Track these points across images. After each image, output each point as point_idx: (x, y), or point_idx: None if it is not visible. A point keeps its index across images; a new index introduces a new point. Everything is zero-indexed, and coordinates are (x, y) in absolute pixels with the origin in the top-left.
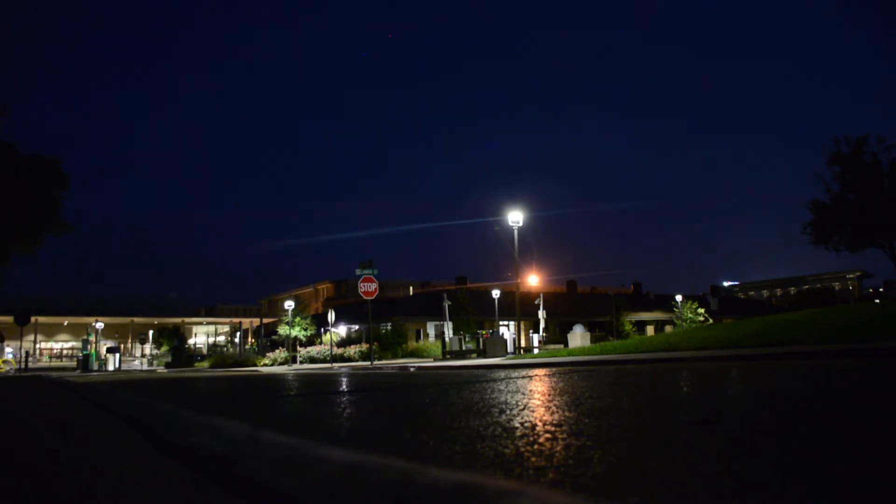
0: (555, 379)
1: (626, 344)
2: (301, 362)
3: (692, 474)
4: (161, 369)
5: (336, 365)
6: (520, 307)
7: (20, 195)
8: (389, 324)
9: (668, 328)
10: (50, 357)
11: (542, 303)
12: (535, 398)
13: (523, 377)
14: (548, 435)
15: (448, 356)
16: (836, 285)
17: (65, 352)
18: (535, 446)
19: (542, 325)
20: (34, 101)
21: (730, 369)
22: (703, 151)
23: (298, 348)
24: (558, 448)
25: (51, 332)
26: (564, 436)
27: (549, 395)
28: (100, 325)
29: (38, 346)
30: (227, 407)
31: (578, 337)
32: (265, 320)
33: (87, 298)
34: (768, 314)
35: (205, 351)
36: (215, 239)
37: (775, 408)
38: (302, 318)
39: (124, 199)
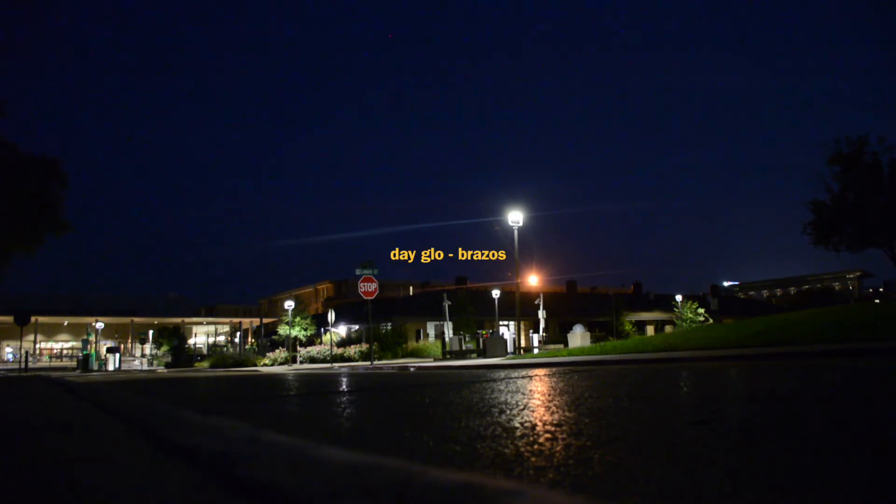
0: (555, 379)
1: (626, 344)
2: (301, 362)
3: (692, 474)
4: (161, 369)
5: (336, 365)
6: (520, 307)
7: (20, 195)
8: (389, 324)
9: (668, 328)
10: (50, 357)
11: (542, 303)
12: (534, 398)
13: (523, 377)
14: (548, 435)
15: (448, 356)
16: (836, 285)
17: (65, 352)
18: (535, 446)
19: (542, 325)
20: (34, 102)
21: (729, 369)
22: (704, 152)
23: (298, 348)
24: (558, 448)
25: (51, 332)
26: (564, 436)
27: (549, 395)
28: (100, 325)
29: (38, 346)
30: (227, 407)
31: (578, 337)
32: (265, 320)
33: (87, 298)
34: (768, 314)
35: (205, 351)
36: (215, 239)
37: (775, 408)
38: (302, 318)
39: (124, 198)
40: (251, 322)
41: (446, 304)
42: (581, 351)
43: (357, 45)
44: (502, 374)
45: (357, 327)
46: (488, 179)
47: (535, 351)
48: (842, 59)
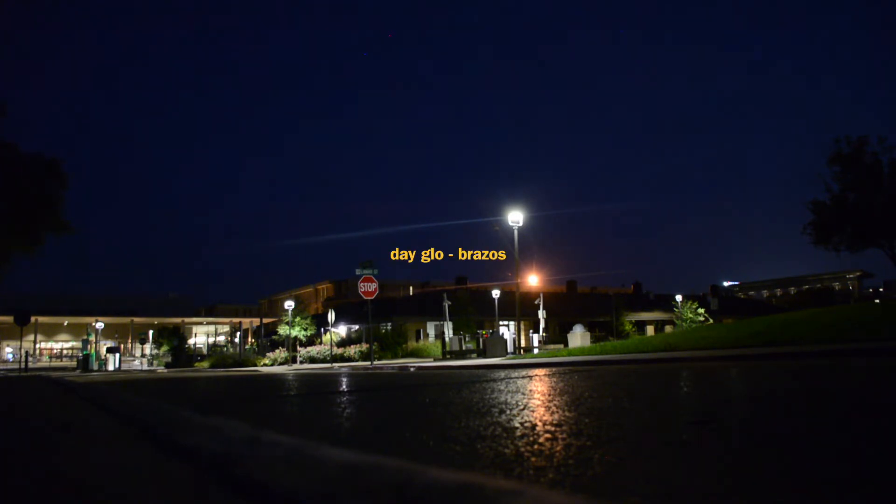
0: (555, 379)
1: (626, 344)
2: (301, 362)
3: (692, 474)
4: (161, 369)
5: (336, 365)
6: (520, 307)
7: (20, 195)
8: (389, 324)
9: (668, 328)
10: (50, 357)
11: (542, 303)
12: (534, 398)
13: (523, 377)
14: (548, 435)
15: (448, 356)
16: (836, 285)
17: (65, 352)
18: (535, 446)
19: (542, 325)
20: (34, 102)
21: (729, 369)
22: (704, 152)
23: (298, 348)
24: (558, 448)
25: (51, 332)
26: (564, 436)
27: (549, 395)
28: (100, 325)
29: (38, 346)
30: (227, 407)
31: (578, 337)
32: (265, 320)
33: (87, 298)
34: (768, 314)
35: (205, 351)
36: (215, 239)
37: (774, 408)
38: (302, 318)
39: (124, 198)
40: (251, 322)
41: (446, 304)
42: (581, 351)
43: (357, 44)
44: (502, 374)
45: (357, 327)
46: (488, 179)
47: (535, 351)
48: (842, 60)
